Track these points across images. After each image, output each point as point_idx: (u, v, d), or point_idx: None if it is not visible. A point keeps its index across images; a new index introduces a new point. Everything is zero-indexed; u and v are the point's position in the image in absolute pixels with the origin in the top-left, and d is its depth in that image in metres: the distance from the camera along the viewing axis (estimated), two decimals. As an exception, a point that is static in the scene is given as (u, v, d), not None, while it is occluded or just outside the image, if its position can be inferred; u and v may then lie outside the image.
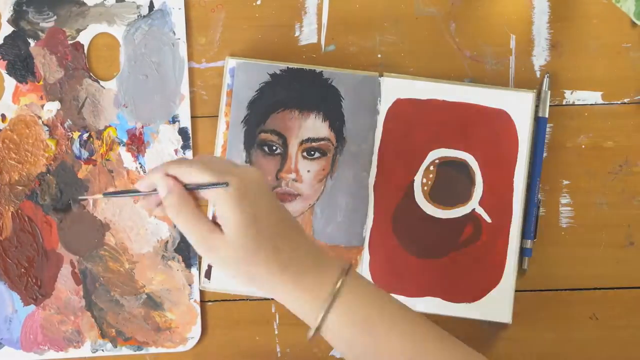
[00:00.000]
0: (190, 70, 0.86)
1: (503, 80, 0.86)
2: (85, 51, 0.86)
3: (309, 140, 0.86)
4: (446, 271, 0.85)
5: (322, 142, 0.86)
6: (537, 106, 0.86)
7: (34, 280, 0.87)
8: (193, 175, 0.68)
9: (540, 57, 0.86)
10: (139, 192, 0.71)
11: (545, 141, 0.86)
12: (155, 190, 0.70)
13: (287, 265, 0.68)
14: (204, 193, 0.69)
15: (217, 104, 0.86)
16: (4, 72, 0.86)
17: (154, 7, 0.86)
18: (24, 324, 0.87)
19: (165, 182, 0.69)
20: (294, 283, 0.68)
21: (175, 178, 0.69)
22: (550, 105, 0.86)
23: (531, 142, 0.85)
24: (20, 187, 0.86)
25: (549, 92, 0.85)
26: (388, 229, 0.85)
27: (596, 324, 0.87)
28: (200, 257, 0.87)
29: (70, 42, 0.86)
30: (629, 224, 0.87)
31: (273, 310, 0.87)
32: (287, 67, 0.85)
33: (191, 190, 0.69)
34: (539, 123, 0.85)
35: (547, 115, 0.85)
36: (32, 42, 0.86)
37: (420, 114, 0.85)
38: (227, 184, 0.67)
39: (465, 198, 0.85)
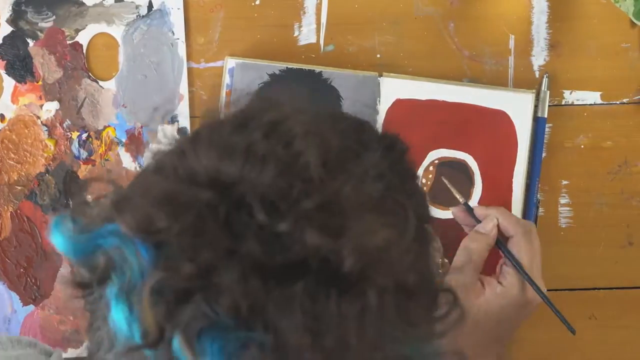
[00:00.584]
0: (189, 70, 0.86)
1: (502, 80, 0.86)
2: (84, 51, 0.86)
3: (308, 140, 0.85)
4: (445, 271, 0.85)
5: (321, 142, 0.86)
6: (535, 106, 0.85)
7: (32, 280, 0.87)
8: (516, 247, 0.76)
9: (539, 57, 0.86)
10: (469, 207, 0.79)
11: (545, 141, 0.86)
12: (477, 220, 0.78)
13: (489, 350, 0.76)
14: (510, 272, 0.76)
15: (216, 104, 0.86)
16: (2, 72, 0.86)
17: (152, 7, 0.86)
18: (23, 324, 0.87)
19: (492, 225, 0.77)
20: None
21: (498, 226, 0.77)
22: (549, 105, 0.86)
23: (531, 142, 0.85)
24: (19, 187, 0.86)
25: (548, 92, 0.85)
26: (387, 229, 0.85)
27: (595, 324, 0.87)
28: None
29: (69, 42, 0.86)
30: (628, 224, 0.87)
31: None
32: (287, 67, 0.85)
33: (496, 247, 0.77)
34: (538, 123, 0.85)
35: (546, 115, 0.85)
36: (31, 42, 0.86)
37: (419, 115, 0.85)
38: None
39: (465, 198, 0.85)
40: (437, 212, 0.85)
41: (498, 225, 0.77)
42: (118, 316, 0.43)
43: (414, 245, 0.47)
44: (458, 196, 0.80)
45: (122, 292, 0.43)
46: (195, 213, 0.43)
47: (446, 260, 0.75)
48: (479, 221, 0.79)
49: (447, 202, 0.85)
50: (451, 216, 0.85)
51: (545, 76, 0.86)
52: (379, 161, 0.49)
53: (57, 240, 0.45)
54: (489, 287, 0.76)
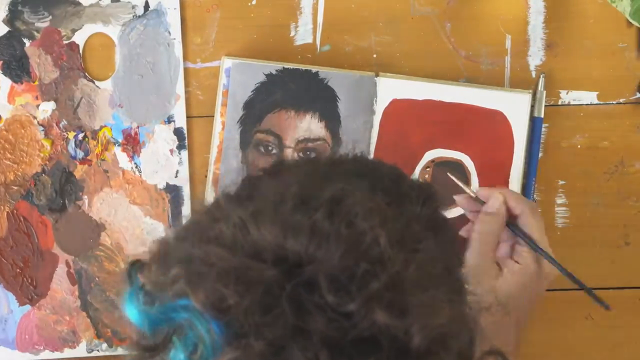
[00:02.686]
0: (186, 70, 0.86)
1: (498, 80, 0.86)
2: (81, 51, 0.86)
3: (304, 140, 0.86)
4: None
5: (318, 143, 0.86)
6: (532, 106, 0.85)
7: (29, 281, 0.87)
8: (526, 224, 0.76)
9: (535, 57, 0.86)
10: (472, 192, 0.78)
11: (541, 141, 0.86)
12: (481, 201, 0.77)
13: (510, 333, 0.76)
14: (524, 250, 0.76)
15: (212, 104, 0.86)
16: (-1, 72, 0.86)
17: (149, 7, 0.86)
18: (20, 324, 0.87)
19: (500, 203, 0.76)
20: None
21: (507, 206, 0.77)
22: (545, 105, 0.86)
23: (527, 142, 0.85)
24: (16, 187, 0.86)
25: (545, 92, 0.85)
26: (384, 229, 0.85)
27: (592, 324, 0.87)
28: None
29: (65, 42, 0.86)
30: (625, 224, 0.87)
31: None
32: (283, 67, 0.85)
33: (507, 227, 0.76)
34: (534, 123, 0.85)
35: (542, 115, 0.85)
36: (27, 42, 0.86)
37: (416, 115, 0.85)
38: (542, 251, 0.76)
39: (470, 190, 0.85)
40: (434, 212, 0.85)
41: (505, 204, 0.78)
42: None
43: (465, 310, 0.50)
44: (467, 190, 0.80)
45: None
46: (262, 290, 0.44)
47: None
48: (484, 204, 0.79)
49: (444, 202, 0.85)
50: (448, 216, 0.85)
51: (541, 76, 0.86)
52: (417, 215, 0.51)
53: (131, 312, 0.47)
54: (506, 268, 0.76)
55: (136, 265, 0.50)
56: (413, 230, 0.50)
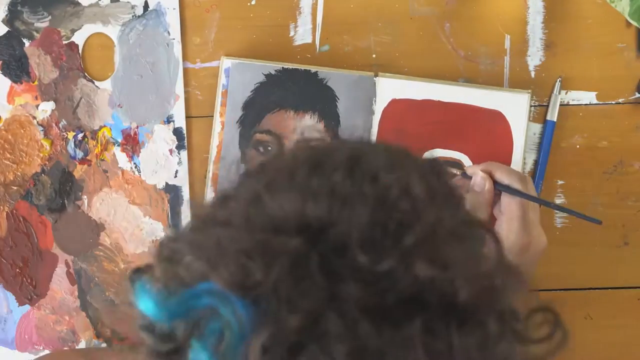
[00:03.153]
0: (185, 70, 0.86)
1: (497, 80, 0.86)
2: (80, 51, 0.86)
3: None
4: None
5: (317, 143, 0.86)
6: (532, 106, 0.85)
7: (28, 281, 0.87)
8: (506, 178, 0.76)
9: (534, 57, 0.86)
10: (464, 172, 0.80)
11: (539, 141, 0.86)
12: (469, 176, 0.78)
13: None
14: (506, 198, 0.76)
15: (211, 104, 0.86)
16: (-2, 72, 0.86)
17: (148, 7, 0.86)
18: (19, 324, 0.87)
19: (480, 178, 0.77)
20: None
21: (490, 174, 0.77)
22: (544, 106, 0.86)
23: (525, 143, 0.85)
24: (15, 187, 0.86)
25: (559, 96, 0.85)
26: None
27: (591, 324, 0.87)
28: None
29: (65, 42, 0.86)
30: (624, 224, 0.87)
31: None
32: (282, 68, 0.85)
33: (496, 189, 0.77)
34: (546, 126, 0.85)
35: (555, 119, 0.85)
36: (26, 42, 0.86)
37: (415, 115, 0.85)
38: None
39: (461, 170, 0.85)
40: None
41: (494, 178, 0.77)
42: None
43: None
44: (455, 171, 0.81)
45: (218, 356, 0.40)
46: (289, 261, 0.41)
47: None
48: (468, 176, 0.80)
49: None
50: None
51: (558, 80, 0.85)
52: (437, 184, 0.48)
53: (146, 305, 0.43)
54: (495, 226, 0.77)
55: (139, 272, 0.46)
56: (435, 185, 0.47)
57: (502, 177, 0.77)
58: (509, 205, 0.76)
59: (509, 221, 0.76)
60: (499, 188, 0.78)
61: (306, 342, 0.40)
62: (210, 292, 0.41)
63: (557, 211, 0.86)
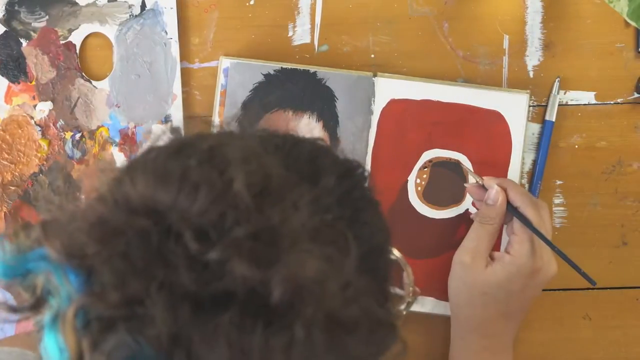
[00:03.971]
0: (184, 70, 0.86)
1: (496, 80, 0.86)
2: (78, 51, 0.86)
3: (302, 140, 0.85)
4: (440, 271, 0.85)
5: (315, 142, 0.86)
6: (530, 107, 0.85)
7: (26, 281, 0.86)
8: (523, 212, 0.77)
9: (533, 57, 0.86)
10: (480, 179, 0.80)
11: (537, 141, 0.86)
12: (484, 188, 0.80)
13: (504, 326, 0.79)
14: (515, 226, 0.78)
15: (210, 104, 0.86)
16: (-5, 72, 0.86)
17: (145, 6, 0.86)
18: (18, 324, 0.87)
19: (496, 192, 0.78)
20: (487, 338, 0.79)
21: (505, 192, 0.78)
22: (543, 106, 0.86)
23: (524, 142, 0.85)
24: (13, 188, 0.86)
25: (558, 95, 0.85)
26: (382, 229, 0.85)
27: (589, 324, 0.87)
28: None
29: (62, 42, 0.86)
30: (622, 224, 0.87)
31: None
32: (281, 68, 0.85)
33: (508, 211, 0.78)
34: (545, 126, 0.85)
35: (554, 119, 0.85)
36: (24, 42, 0.86)
37: (414, 115, 0.85)
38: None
39: (459, 198, 0.85)
40: (431, 213, 0.85)
41: (508, 197, 0.79)
42: (50, 344, 0.42)
43: (359, 279, 0.46)
44: (476, 178, 0.81)
45: (54, 319, 0.42)
46: (126, 240, 0.42)
47: (417, 289, 0.74)
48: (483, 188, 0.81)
49: (441, 202, 0.85)
50: (445, 216, 0.85)
51: (557, 80, 0.85)
52: (330, 189, 0.48)
53: None
54: (497, 258, 0.78)
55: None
56: (291, 184, 0.46)
57: (515, 198, 0.78)
58: (521, 226, 0.77)
59: (520, 243, 0.77)
60: (508, 209, 0.79)
61: (120, 322, 0.41)
62: (45, 258, 0.43)
63: (555, 213, 0.87)
